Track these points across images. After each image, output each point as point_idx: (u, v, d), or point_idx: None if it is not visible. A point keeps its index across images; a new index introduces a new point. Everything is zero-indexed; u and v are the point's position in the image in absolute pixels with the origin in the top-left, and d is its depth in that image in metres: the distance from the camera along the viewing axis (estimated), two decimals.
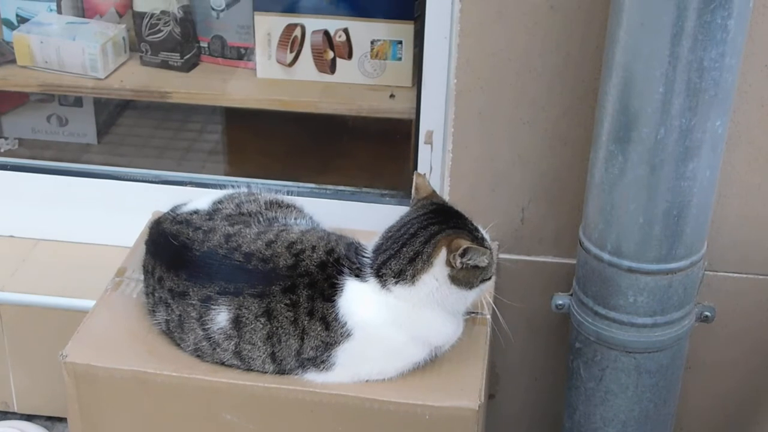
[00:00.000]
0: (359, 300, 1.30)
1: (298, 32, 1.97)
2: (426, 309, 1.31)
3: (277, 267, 1.32)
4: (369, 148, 2.22)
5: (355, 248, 1.34)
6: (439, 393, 1.33)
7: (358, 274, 1.31)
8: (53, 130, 2.22)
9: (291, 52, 1.99)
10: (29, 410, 1.94)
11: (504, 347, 1.64)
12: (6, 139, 2.21)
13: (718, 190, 1.45)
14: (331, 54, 1.98)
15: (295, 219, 1.47)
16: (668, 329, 1.44)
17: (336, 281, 1.31)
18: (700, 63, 1.23)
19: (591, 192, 1.41)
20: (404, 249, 1.30)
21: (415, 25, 1.90)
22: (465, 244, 1.27)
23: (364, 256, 1.32)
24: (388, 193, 1.90)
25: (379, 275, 1.30)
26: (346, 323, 1.30)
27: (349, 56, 1.97)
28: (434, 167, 1.71)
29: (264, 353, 1.33)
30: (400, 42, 1.93)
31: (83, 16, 2.09)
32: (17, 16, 2.07)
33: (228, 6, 2.02)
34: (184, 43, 2.04)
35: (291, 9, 1.97)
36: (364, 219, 1.69)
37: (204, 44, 2.07)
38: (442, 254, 1.28)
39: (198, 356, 1.38)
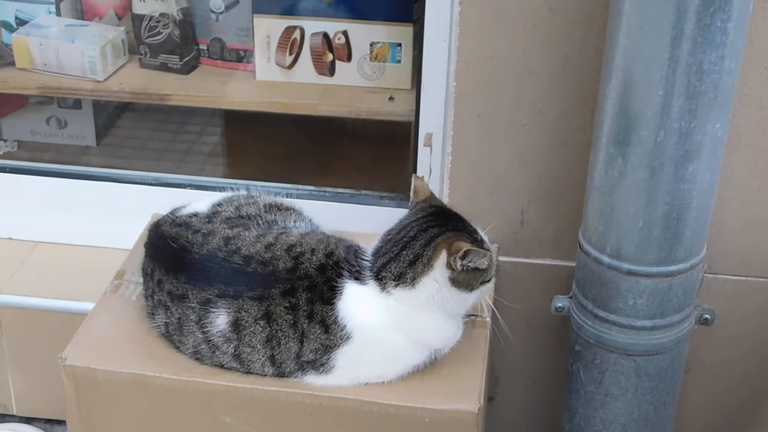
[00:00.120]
0: (359, 303, 1.30)
1: (297, 34, 1.97)
2: (426, 312, 1.31)
3: (276, 270, 1.32)
4: (368, 151, 2.22)
5: (354, 251, 1.34)
6: (439, 396, 1.33)
7: (358, 277, 1.31)
8: (52, 132, 2.22)
9: (290, 54, 1.99)
10: (28, 413, 1.94)
11: (504, 350, 1.64)
12: (5, 141, 2.21)
13: (718, 192, 1.45)
14: (330, 56, 1.98)
15: (295, 222, 1.47)
16: (668, 332, 1.44)
17: (335, 284, 1.31)
18: (699, 66, 1.23)
19: (591, 194, 1.41)
20: (404, 252, 1.30)
21: (414, 28, 1.90)
22: (465, 246, 1.27)
23: (363, 259, 1.32)
24: (388, 195, 1.90)
25: (379, 278, 1.30)
26: (345, 326, 1.30)
27: (349, 58, 1.97)
28: (433, 170, 1.71)
29: (263, 356, 1.33)
30: (400, 44, 1.93)
31: (82, 19, 2.09)
32: (16, 18, 2.07)
33: (227, 8, 2.02)
34: (184, 45, 2.04)
35: (290, 11, 1.97)
36: (363, 221, 1.69)
37: (203, 46, 2.07)
38: (443, 257, 1.28)
39: (197, 359, 1.38)
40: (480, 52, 1.51)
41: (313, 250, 1.34)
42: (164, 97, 2.03)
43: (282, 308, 1.31)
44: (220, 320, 1.33)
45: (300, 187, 1.91)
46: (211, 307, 1.33)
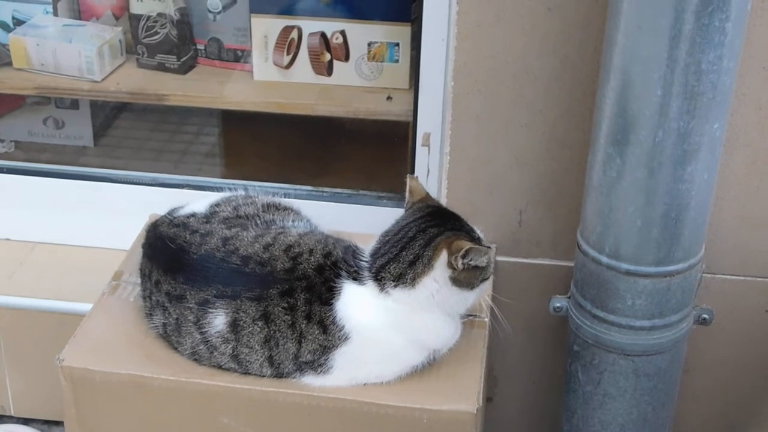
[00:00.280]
0: (357, 303, 1.30)
1: (294, 34, 1.97)
2: (425, 312, 1.31)
3: (274, 270, 1.32)
4: (366, 151, 2.22)
5: (352, 251, 1.34)
6: (437, 396, 1.33)
7: (356, 278, 1.31)
8: (49, 132, 2.22)
9: (288, 54, 1.98)
10: (26, 414, 1.94)
11: (502, 350, 1.64)
12: (2, 142, 2.21)
13: (716, 192, 1.45)
14: (328, 56, 1.97)
15: (293, 222, 1.46)
16: (666, 332, 1.44)
17: (333, 284, 1.31)
18: (698, 66, 1.23)
19: (589, 195, 1.41)
20: (403, 252, 1.30)
21: (412, 28, 1.89)
22: (466, 245, 1.27)
23: (361, 260, 1.32)
24: (386, 195, 1.90)
25: (378, 279, 1.30)
26: (343, 326, 1.30)
27: (346, 58, 1.97)
28: (431, 170, 1.71)
29: (261, 357, 1.33)
30: (397, 44, 1.93)
31: (79, 19, 2.09)
32: (13, 18, 2.07)
33: (225, 8, 2.02)
34: (181, 45, 2.04)
35: (288, 11, 1.97)
36: (361, 221, 1.69)
37: (201, 46, 2.07)
38: (443, 256, 1.28)
39: (195, 360, 1.37)
40: (478, 52, 1.51)
41: (311, 251, 1.34)
42: (162, 98, 2.03)
43: (280, 309, 1.31)
44: (218, 321, 1.33)
45: (298, 187, 1.91)
46: (209, 307, 1.33)
